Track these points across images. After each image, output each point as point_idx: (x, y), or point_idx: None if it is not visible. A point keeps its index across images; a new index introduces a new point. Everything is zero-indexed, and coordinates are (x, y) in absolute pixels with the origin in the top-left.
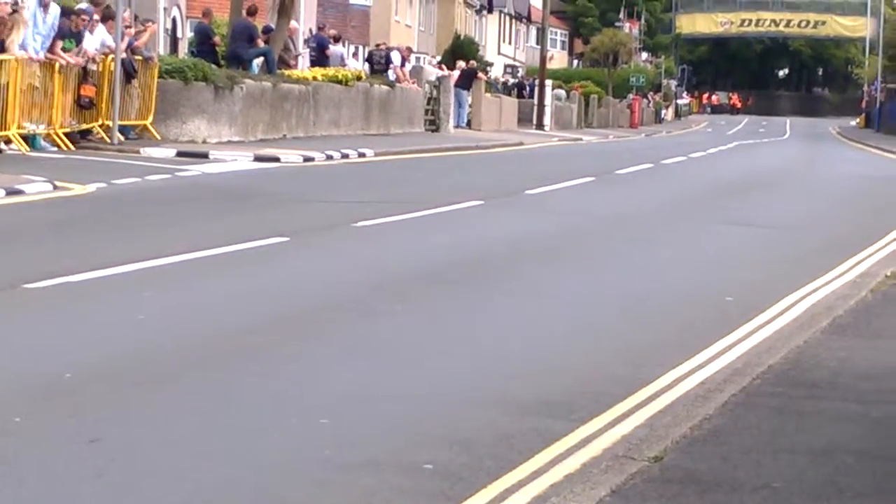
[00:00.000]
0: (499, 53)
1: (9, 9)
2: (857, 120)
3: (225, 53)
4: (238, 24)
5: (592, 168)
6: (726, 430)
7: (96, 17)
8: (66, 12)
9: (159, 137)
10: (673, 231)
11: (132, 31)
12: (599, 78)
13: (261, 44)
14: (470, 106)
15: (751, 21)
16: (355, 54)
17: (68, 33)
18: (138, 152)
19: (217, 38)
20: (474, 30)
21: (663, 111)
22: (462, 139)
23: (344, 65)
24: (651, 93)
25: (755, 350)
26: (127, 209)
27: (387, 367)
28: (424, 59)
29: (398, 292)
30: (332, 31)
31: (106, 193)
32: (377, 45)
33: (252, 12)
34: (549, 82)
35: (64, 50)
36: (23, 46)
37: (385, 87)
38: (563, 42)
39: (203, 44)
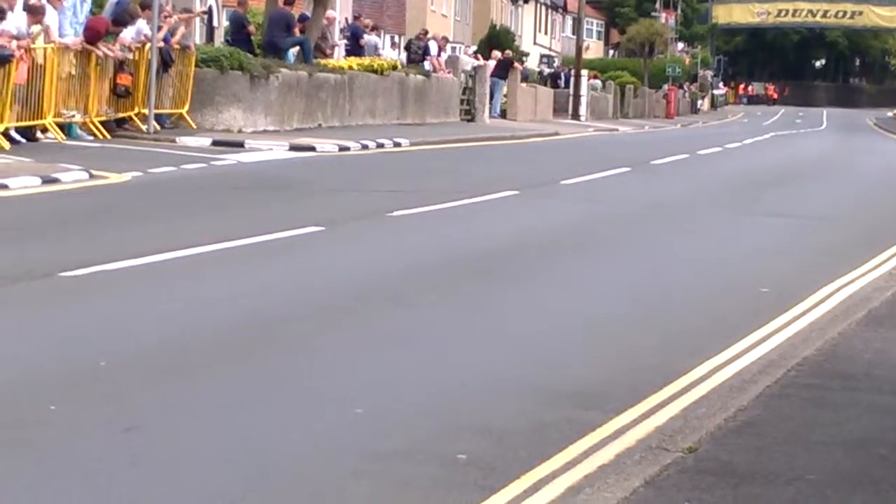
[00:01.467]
0: (535, 43)
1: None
2: (895, 111)
3: (261, 42)
4: (275, 13)
5: (628, 158)
6: (761, 422)
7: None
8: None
9: (195, 126)
10: (708, 222)
11: (172, 20)
12: (635, 68)
13: (297, 33)
14: (505, 96)
15: (787, 11)
16: (395, 44)
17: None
18: (174, 141)
19: (252, 27)
20: (510, 19)
21: (699, 101)
22: (497, 129)
23: (378, 54)
24: (687, 83)
25: (790, 341)
26: (162, 198)
27: (421, 357)
28: (460, 48)
29: (432, 282)
30: (368, 21)
31: (142, 182)
32: (417, 36)
33: (289, 1)
34: (584, 72)
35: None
36: (60, 35)
37: (420, 77)
38: (598, 32)
39: (238, 32)
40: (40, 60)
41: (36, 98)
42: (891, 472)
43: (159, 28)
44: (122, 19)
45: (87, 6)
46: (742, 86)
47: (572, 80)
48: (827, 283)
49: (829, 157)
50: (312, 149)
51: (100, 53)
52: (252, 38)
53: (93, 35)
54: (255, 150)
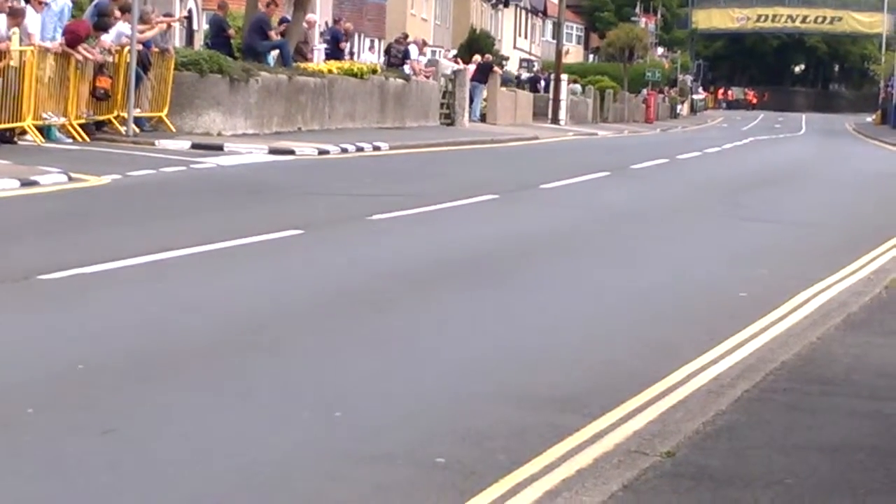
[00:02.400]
0: (514, 47)
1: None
2: (874, 116)
3: (240, 46)
4: (252, 17)
5: (607, 163)
6: (739, 426)
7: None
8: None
9: (174, 129)
10: (687, 226)
11: (163, 25)
12: (615, 72)
13: (275, 36)
14: (485, 100)
15: (767, 17)
16: (371, 48)
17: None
18: (153, 144)
19: (231, 31)
20: (490, 24)
21: (679, 106)
22: (477, 133)
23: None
24: (666, 88)
25: (768, 346)
26: (141, 201)
27: (400, 361)
28: (440, 52)
29: (411, 286)
30: (348, 25)
31: (121, 185)
32: (397, 39)
33: (268, 4)
34: (564, 77)
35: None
36: (45, 37)
37: (400, 81)
38: (578, 36)
39: (217, 36)
40: (14, 63)
41: (15, 100)
42: (868, 477)
43: (145, 31)
44: (103, 25)
45: (70, 9)
46: (722, 91)
47: (552, 84)
48: (805, 288)
49: (809, 161)
50: (292, 152)
51: (79, 57)
52: (232, 41)
53: (73, 38)
54: (235, 154)
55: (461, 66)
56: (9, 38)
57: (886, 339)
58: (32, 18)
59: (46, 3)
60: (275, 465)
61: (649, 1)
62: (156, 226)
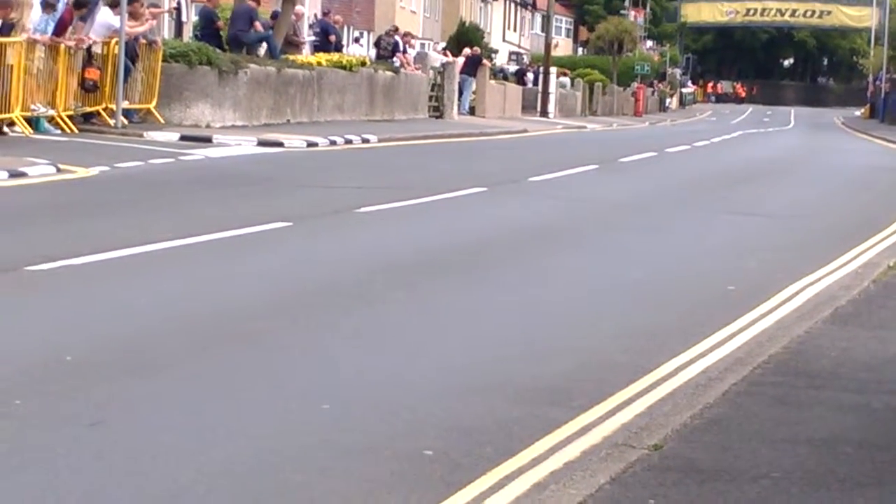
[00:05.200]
0: (503, 40)
1: None
2: (862, 110)
3: (227, 38)
4: (238, 8)
5: (596, 156)
6: (727, 419)
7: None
8: None
9: (163, 121)
10: (676, 219)
11: (154, 21)
12: (604, 66)
13: (259, 27)
14: (474, 93)
15: (756, 10)
16: (357, 40)
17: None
18: (142, 136)
19: (221, 23)
20: (479, 16)
21: (668, 100)
22: (466, 126)
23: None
24: (655, 81)
25: (757, 339)
26: (129, 193)
27: (388, 353)
28: (429, 45)
29: (400, 278)
30: (338, 17)
31: (109, 177)
32: (387, 32)
33: None
34: (553, 70)
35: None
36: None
37: (389, 73)
38: (567, 30)
39: (207, 28)
40: (10, 59)
41: (3, 92)
42: (855, 471)
43: (135, 26)
44: (82, 2)
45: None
46: (711, 84)
47: (541, 77)
48: (794, 282)
49: (797, 155)
50: (280, 144)
51: (70, 44)
52: (221, 33)
53: (62, 26)
54: (223, 146)
55: (450, 58)
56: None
57: (874, 332)
58: (27, 10)
59: (54, 6)
60: (261, 456)
61: None
62: (144, 217)
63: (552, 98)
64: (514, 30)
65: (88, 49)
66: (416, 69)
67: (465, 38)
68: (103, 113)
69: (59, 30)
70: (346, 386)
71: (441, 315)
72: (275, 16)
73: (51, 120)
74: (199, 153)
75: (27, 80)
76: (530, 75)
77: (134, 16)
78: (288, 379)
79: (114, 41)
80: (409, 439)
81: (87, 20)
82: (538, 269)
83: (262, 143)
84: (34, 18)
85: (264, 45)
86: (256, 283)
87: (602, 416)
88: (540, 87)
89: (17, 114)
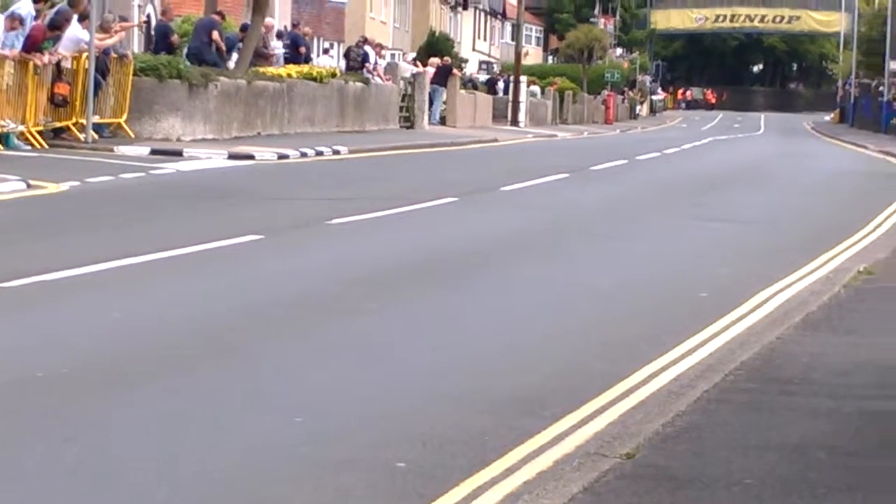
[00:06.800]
0: (473, 50)
1: None
2: (832, 115)
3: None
4: (200, 21)
5: (567, 164)
6: (699, 427)
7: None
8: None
9: (133, 135)
10: (647, 227)
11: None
12: (574, 74)
13: (217, 38)
14: (444, 103)
15: (725, 16)
16: (326, 51)
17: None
18: (112, 150)
19: (175, 38)
20: (449, 26)
21: (638, 107)
22: (437, 136)
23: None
24: (626, 89)
25: (728, 346)
26: (101, 208)
27: (361, 365)
28: (399, 55)
29: (373, 290)
30: (307, 29)
31: (80, 192)
32: (357, 43)
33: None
34: (523, 79)
35: (41, 50)
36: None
37: (360, 84)
38: (538, 38)
39: (160, 42)
40: None
41: None
42: (827, 476)
43: (105, 39)
44: (57, 23)
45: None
46: (681, 91)
47: (511, 86)
48: (765, 288)
49: (768, 161)
50: (251, 157)
51: (38, 62)
52: (175, 47)
53: (32, 43)
54: (194, 159)
55: (420, 68)
56: None
57: (844, 337)
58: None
59: (22, 21)
60: (235, 470)
61: (608, 2)
62: (115, 232)
63: (523, 107)
64: (484, 39)
65: (58, 64)
66: (387, 79)
67: (435, 48)
68: (73, 128)
69: (30, 47)
70: (318, 398)
71: (414, 326)
72: (244, 28)
73: (20, 135)
74: (170, 167)
75: None
76: (501, 84)
77: (103, 29)
78: (261, 392)
79: (84, 55)
80: (382, 451)
81: (63, 37)
82: (511, 278)
83: (232, 157)
84: None
85: (234, 56)
86: (229, 297)
87: (575, 424)
88: (510, 97)
89: None
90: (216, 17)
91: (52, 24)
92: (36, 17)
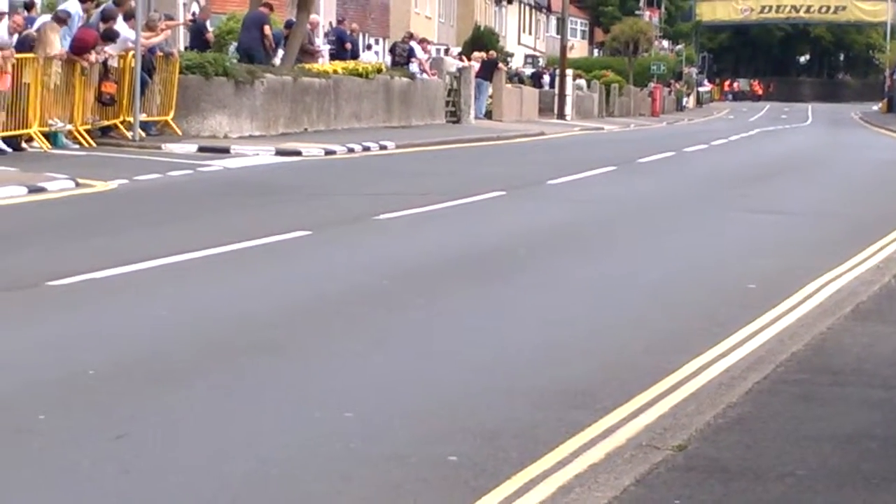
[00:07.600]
0: (519, 44)
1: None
2: (879, 105)
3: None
4: (249, 15)
5: (614, 157)
6: (750, 418)
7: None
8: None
9: (180, 133)
10: (695, 219)
11: (168, 32)
12: (620, 67)
13: (269, 33)
14: (490, 97)
15: (771, 7)
16: (369, 47)
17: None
18: (160, 148)
19: (210, 35)
20: (494, 20)
21: (685, 99)
22: (483, 130)
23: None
24: (672, 81)
25: (778, 337)
26: (149, 205)
27: (410, 360)
28: (444, 50)
29: (421, 284)
30: (354, 25)
31: (128, 190)
32: (403, 38)
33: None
34: (569, 72)
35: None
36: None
37: (405, 80)
38: (583, 31)
39: (195, 39)
40: (27, 77)
41: (21, 107)
42: (880, 466)
43: (151, 38)
44: (109, 34)
45: (80, 17)
46: (727, 82)
47: (557, 79)
48: (814, 279)
49: (815, 152)
50: (298, 153)
51: (85, 64)
52: (210, 45)
53: (81, 47)
54: (241, 156)
55: (466, 63)
56: (11, 45)
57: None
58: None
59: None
60: (286, 465)
61: None
62: (163, 230)
63: (569, 100)
64: (530, 33)
65: (105, 63)
66: (433, 74)
67: (480, 42)
68: (121, 126)
69: (80, 50)
70: (368, 393)
71: (462, 320)
72: (289, 25)
73: (69, 134)
74: (218, 164)
75: (44, 96)
76: (546, 78)
77: (149, 27)
78: (310, 387)
79: (130, 54)
80: (434, 445)
81: (118, 41)
82: (558, 272)
83: (280, 153)
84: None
85: (280, 52)
86: (277, 293)
87: (625, 417)
88: (556, 90)
89: (35, 129)
90: (265, 10)
91: (105, 36)
92: (83, 19)
